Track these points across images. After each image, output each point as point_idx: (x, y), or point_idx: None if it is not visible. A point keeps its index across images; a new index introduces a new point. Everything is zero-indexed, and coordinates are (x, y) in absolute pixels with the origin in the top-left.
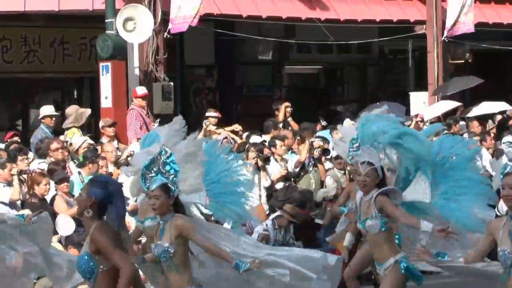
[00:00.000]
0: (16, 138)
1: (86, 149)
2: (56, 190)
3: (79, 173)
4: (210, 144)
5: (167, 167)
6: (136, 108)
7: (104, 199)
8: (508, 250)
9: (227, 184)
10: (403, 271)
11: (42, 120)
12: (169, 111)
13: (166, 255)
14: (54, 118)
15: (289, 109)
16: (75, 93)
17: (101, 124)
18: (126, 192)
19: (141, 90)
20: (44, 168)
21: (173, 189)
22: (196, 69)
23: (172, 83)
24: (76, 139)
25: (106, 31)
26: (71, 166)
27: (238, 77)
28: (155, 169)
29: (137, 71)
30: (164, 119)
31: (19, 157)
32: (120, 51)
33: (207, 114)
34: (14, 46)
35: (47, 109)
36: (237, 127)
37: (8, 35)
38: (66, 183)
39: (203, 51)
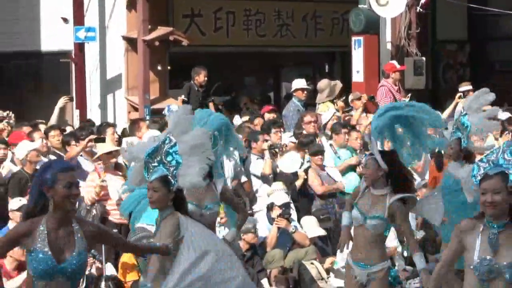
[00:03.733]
0: (273, 115)
1: (335, 121)
2: (309, 162)
3: (331, 145)
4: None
5: (169, 158)
6: (386, 84)
7: None
8: (490, 259)
9: None
10: (391, 279)
11: (294, 94)
12: (421, 86)
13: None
14: (305, 91)
15: None
16: (327, 67)
17: (350, 97)
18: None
19: (397, 64)
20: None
21: (173, 182)
22: (448, 44)
23: (424, 58)
24: (326, 114)
25: (359, 5)
26: (323, 140)
27: (490, 52)
28: (157, 159)
29: (389, 46)
30: (415, 94)
31: (273, 129)
32: (372, 26)
33: (461, 89)
34: (268, 19)
35: (299, 82)
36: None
37: (262, 9)
38: (320, 156)
39: (455, 26)
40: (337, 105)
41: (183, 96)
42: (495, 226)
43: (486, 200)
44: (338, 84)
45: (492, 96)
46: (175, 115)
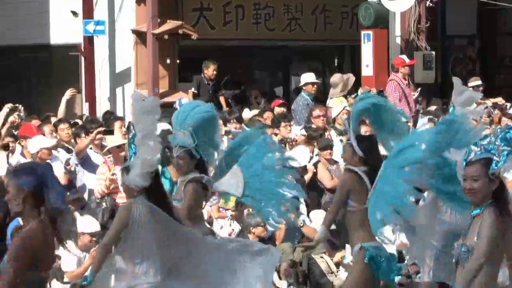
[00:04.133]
0: (283, 109)
1: (345, 115)
2: (318, 156)
3: (341, 140)
4: (263, 138)
5: (130, 149)
6: (395, 79)
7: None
8: (450, 245)
9: (269, 181)
10: (366, 259)
11: (304, 88)
12: (430, 80)
13: None
14: (315, 86)
15: None
16: (336, 61)
17: (360, 91)
18: None
19: (407, 59)
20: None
21: None
22: (457, 39)
23: (433, 52)
24: (336, 108)
25: (368, 0)
26: (332, 134)
27: (500, 47)
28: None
29: (398, 40)
30: (424, 89)
31: (283, 123)
32: (382, 20)
33: (470, 84)
34: (277, 13)
35: (309, 77)
36: (500, 100)
37: (271, 3)
38: (329, 151)
39: (465, 21)
40: (348, 101)
41: (193, 89)
42: (472, 213)
43: (465, 187)
44: (351, 78)
45: (477, 95)
46: (134, 104)
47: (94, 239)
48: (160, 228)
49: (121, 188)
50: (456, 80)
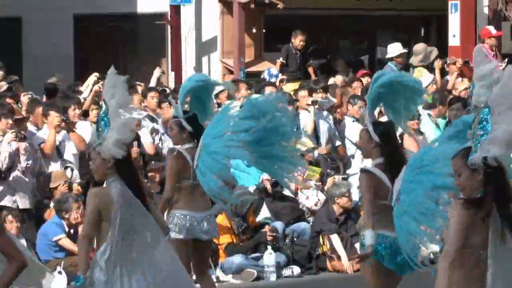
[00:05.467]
0: (367, 79)
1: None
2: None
3: (429, 115)
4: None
5: (102, 123)
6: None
7: None
8: None
9: (215, 152)
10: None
11: (395, 59)
12: None
13: None
14: (403, 56)
15: None
16: (422, 31)
17: (448, 61)
18: None
19: (494, 30)
20: None
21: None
22: None
23: None
24: (424, 78)
25: None
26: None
27: None
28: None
29: (486, 10)
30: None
31: None
32: None
33: None
34: None
35: (397, 47)
36: None
37: None
38: (416, 120)
39: None
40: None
41: (281, 59)
42: None
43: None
44: (434, 52)
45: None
46: (107, 80)
47: None
48: (130, 215)
49: (92, 168)
50: (478, 50)
